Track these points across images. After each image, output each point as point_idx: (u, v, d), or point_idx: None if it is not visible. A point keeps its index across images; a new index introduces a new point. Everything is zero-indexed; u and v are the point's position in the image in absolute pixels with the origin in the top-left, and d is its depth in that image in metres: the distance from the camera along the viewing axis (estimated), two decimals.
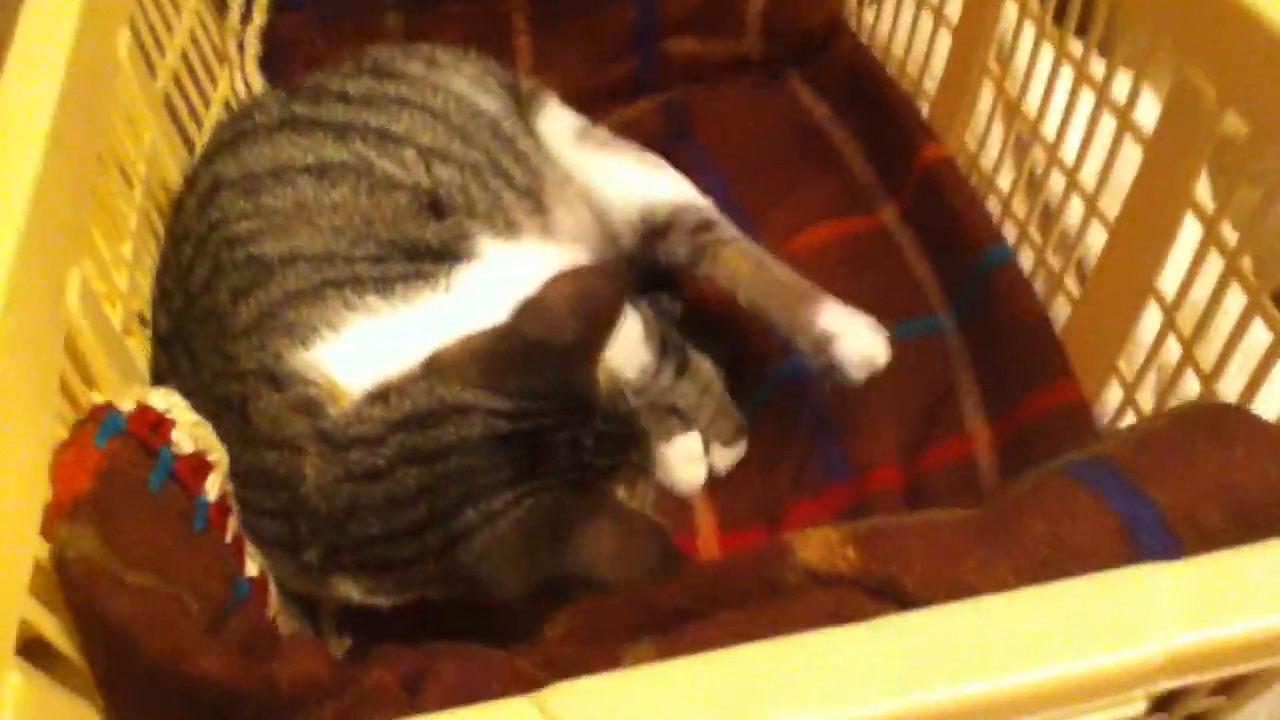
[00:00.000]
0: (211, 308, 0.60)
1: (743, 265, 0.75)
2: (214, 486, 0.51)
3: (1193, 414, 0.48)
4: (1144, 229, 0.64)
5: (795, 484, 0.74)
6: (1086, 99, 0.70)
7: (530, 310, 0.55)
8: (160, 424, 0.50)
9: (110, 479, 0.45)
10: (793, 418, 0.78)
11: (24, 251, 0.48)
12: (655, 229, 0.78)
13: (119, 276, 0.62)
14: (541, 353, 0.54)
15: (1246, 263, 0.57)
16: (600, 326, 0.56)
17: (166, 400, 0.51)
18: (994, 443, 0.72)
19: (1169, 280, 0.63)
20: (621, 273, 0.67)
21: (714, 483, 0.76)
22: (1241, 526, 0.43)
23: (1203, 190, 0.59)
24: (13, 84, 0.57)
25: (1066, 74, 0.72)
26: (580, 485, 0.54)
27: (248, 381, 0.56)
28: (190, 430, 0.51)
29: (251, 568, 0.52)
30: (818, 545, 0.44)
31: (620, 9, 0.98)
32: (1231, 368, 0.58)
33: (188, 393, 0.55)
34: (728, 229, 0.79)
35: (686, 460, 0.76)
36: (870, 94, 0.94)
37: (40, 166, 0.52)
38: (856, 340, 0.70)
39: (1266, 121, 0.53)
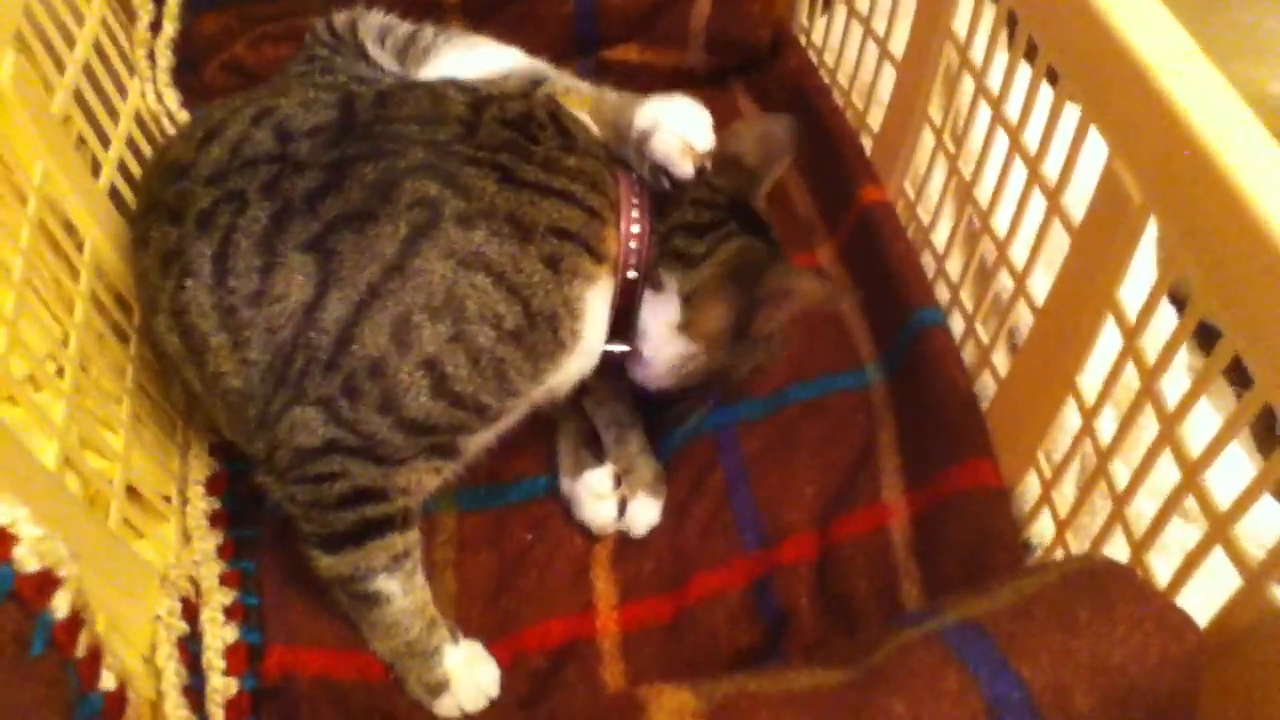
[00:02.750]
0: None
1: (586, 103, 0.74)
2: (63, 603, 0.48)
3: (1077, 577, 0.46)
4: (1067, 323, 0.61)
5: (702, 544, 0.73)
6: (1021, 169, 0.66)
7: (731, 136, 0.74)
8: (4, 540, 0.47)
9: None
10: (709, 468, 0.76)
11: None
12: None
13: None
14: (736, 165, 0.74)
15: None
16: (774, 161, 0.76)
17: (10, 514, 0.48)
18: (909, 518, 0.70)
19: (1095, 378, 0.61)
20: (794, 125, 0.77)
21: (619, 540, 0.74)
22: (1113, 710, 0.41)
23: (1133, 295, 0.56)
24: None
25: (1003, 139, 0.68)
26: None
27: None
28: (35, 546, 0.48)
29: (108, 680, 0.50)
30: (670, 712, 0.42)
31: (558, 3, 0.94)
32: (1143, 492, 0.55)
33: None
34: (562, 79, 0.77)
35: (595, 497, 0.74)
36: (814, 121, 0.90)
37: None
38: (665, 143, 0.69)
39: (1188, 232, 0.50)
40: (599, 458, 0.76)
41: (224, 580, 0.71)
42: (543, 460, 0.77)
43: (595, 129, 0.72)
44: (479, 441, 0.67)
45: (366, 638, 0.65)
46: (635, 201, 0.68)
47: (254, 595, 0.70)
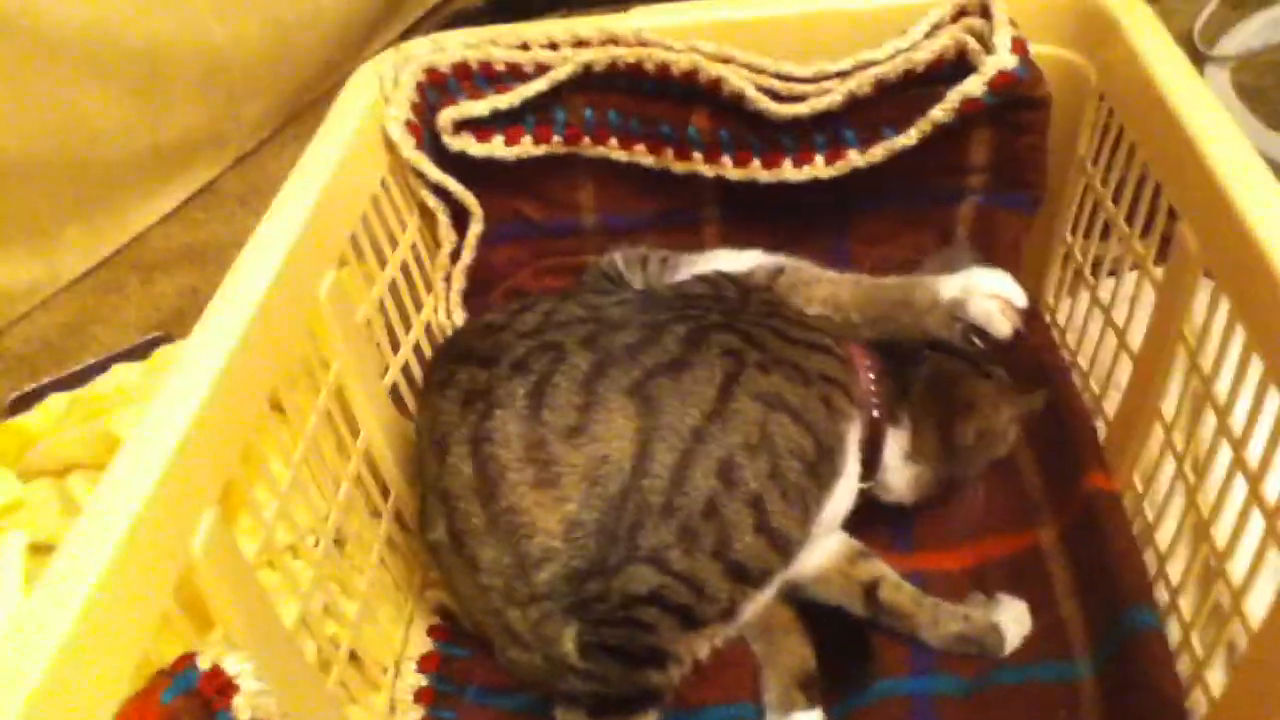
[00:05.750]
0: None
1: (840, 288, 0.82)
2: None
3: None
4: None
5: None
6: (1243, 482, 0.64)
7: None
8: (227, 688, 0.55)
9: None
10: None
11: (154, 500, 0.55)
12: None
13: (266, 508, 0.69)
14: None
15: None
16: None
17: (239, 665, 0.56)
18: None
19: None
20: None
21: None
22: None
23: None
24: (203, 328, 0.66)
25: (1227, 453, 0.66)
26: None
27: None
28: (251, 699, 0.55)
29: None
30: None
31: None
32: None
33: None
34: (807, 269, 0.83)
35: None
36: (1051, 398, 0.89)
37: (196, 412, 0.60)
38: (984, 305, 0.77)
39: None
40: (810, 698, 0.76)
41: None
42: (730, 691, 0.78)
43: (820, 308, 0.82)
44: (753, 607, 0.73)
45: None
46: (863, 349, 0.79)
47: None
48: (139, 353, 1.10)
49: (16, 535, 0.79)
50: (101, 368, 1.07)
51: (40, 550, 0.84)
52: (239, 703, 0.55)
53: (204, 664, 0.54)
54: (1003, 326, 0.76)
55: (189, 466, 0.58)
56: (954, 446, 0.80)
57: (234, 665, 0.56)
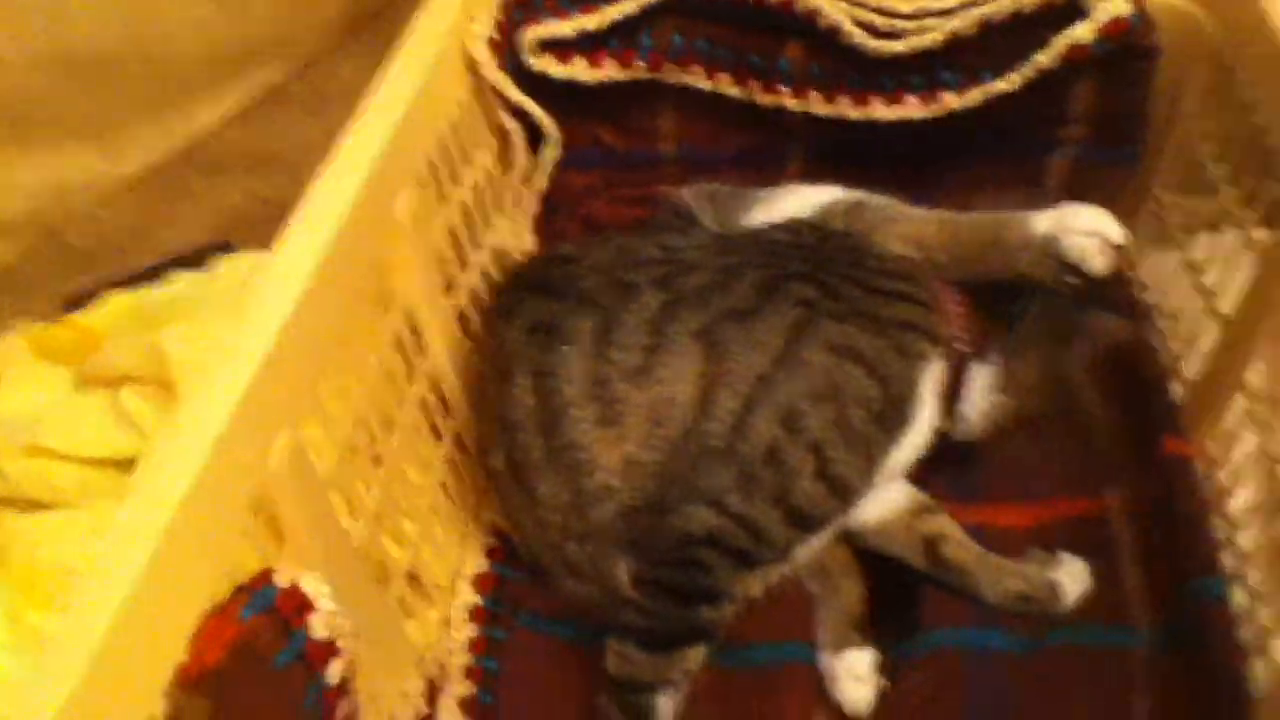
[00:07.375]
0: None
1: (926, 226, 0.79)
2: (336, 672, 0.56)
3: None
4: None
5: None
6: None
7: None
8: (304, 607, 0.55)
9: (242, 655, 0.51)
10: (945, 692, 0.74)
11: (237, 419, 0.55)
12: None
13: (341, 427, 0.68)
14: None
15: None
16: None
17: (316, 586, 0.56)
18: None
19: None
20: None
21: None
22: None
23: None
24: (284, 247, 0.65)
25: None
26: None
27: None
28: (327, 619, 0.56)
29: None
30: None
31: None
32: None
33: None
34: (891, 206, 0.81)
35: (853, 679, 0.74)
36: (1130, 358, 0.88)
37: (277, 332, 0.59)
38: (1079, 241, 0.73)
39: None
40: (863, 638, 0.76)
41: (468, 673, 0.77)
42: (782, 629, 0.79)
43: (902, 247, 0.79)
44: (809, 549, 0.73)
45: None
46: (952, 287, 0.77)
47: (491, 695, 0.76)
48: (198, 260, 1.10)
49: None
50: (160, 271, 1.08)
51: (97, 465, 0.87)
52: (315, 621, 0.55)
53: (282, 581, 0.55)
54: (1099, 263, 0.73)
55: (275, 380, 0.58)
56: (1058, 380, 0.79)
57: (311, 585, 0.56)
